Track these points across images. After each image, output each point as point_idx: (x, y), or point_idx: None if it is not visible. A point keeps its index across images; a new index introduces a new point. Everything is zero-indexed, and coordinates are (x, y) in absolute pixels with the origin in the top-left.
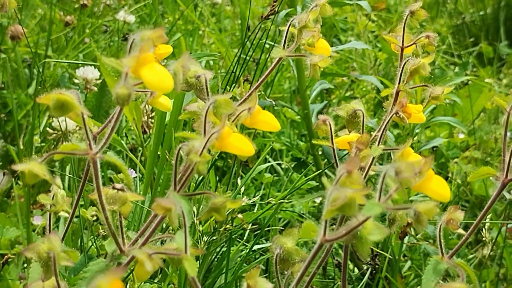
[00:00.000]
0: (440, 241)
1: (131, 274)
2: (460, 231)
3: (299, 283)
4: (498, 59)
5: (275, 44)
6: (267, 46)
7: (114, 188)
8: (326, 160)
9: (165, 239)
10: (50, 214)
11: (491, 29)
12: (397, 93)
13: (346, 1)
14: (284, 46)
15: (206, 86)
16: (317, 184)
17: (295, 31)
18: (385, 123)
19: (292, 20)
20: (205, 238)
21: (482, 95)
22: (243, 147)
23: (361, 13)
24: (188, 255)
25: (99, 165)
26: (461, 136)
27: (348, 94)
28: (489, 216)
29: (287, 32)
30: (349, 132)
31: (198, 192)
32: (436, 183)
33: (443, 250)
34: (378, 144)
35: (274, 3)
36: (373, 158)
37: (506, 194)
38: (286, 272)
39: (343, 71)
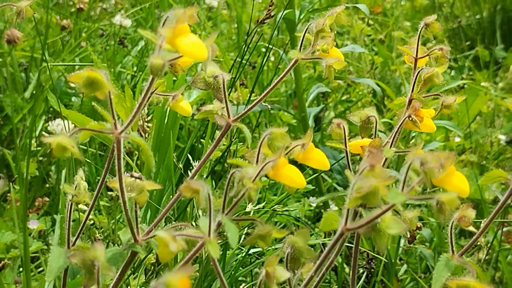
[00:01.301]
0: (451, 239)
1: (128, 279)
2: (472, 228)
3: (317, 271)
4: (494, 63)
5: (273, 47)
6: (263, 49)
7: (132, 176)
8: None
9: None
10: (71, 204)
11: (487, 32)
12: (410, 101)
13: (344, 4)
14: (300, 49)
15: (224, 86)
16: (314, 187)
17: (309, 37)
18: (397, 127)
19: (309, 25)
20: None
21: (478, 99)
22: (296, 179)
23: (357, 17)
24: (211, 239)
25: (122, 146)
26: (457, 139)
27: (344, 97)
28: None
29: (303, 36)
30: (362, 137)
31: (245, 218)
32: (458, 178)
33: (454, 249)
34: (391, 147)
35: (270, 7)
36: (386, 160)
37: (502, 197)
38: (296, 272)
39: (339, 74)
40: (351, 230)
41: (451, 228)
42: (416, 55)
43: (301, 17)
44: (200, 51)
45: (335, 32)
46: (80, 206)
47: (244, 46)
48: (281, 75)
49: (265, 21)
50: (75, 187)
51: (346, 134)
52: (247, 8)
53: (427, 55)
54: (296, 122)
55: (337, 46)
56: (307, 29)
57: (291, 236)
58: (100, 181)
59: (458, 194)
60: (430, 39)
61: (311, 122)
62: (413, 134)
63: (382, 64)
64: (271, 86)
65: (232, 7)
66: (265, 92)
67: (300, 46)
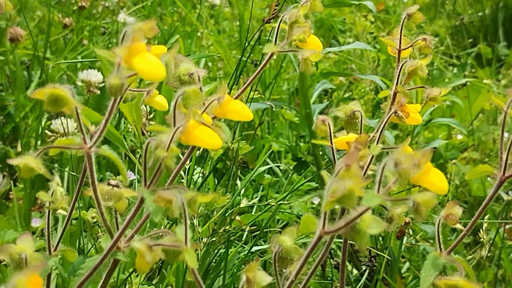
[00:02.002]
0: (438, 237)
1: (129, 277)
2: (459, 226)
3: (298, 275)
4: (496, 60)
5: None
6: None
7: (109, 184)
8: (327, 159)
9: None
10: (49, 211)
11: (490, 30)
12: (395, 94)
13: (351, 1)
14: (275, 42)
15: (200, 83)
16: (317, 185)
17: (286, 28)
18: (383, 123)
19: (283, 16)
20: (204, 240)
21: (481, 96)
22: (209, 140)
23: (359, 15)
24: (188, 247)
25: (93, 160)
26: (460, 137)
27: (346, 95)
28: (486, 216)
29: (278, 28)
30: (348, 133)
31: (169, 187)
32: (434, 176)
33: (442, 247)
34: (377, 144)
35: (276, 7)
36: (372, 157)
37: (504, 195)
38: (284, 271)
39: (342, 71)
40: (329, 233)
41: (438, 225)
42: (400, 46)
43: None
44: (156, 70)
45: (311, 20)
46: (60, 211)
47: (247, 46)
48: (258, 69)
49: (270, 21)
50: (51, 193)
51: (332, 130)
52: (249, 6)
53: (411, 46)
54: (299, 120)
55: (339, 43)
56: (281, 20)
57: (278, 235)
58: (77, 189)
59: (435, 193)
60: (432, 36)
61: (315, 119)
62: (417, 131)
63: (385, 61)
64: (251, 78)
65: (234, 4)
66: (244, 87)
67: (276, 39)
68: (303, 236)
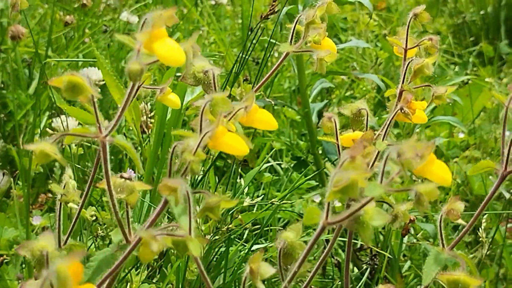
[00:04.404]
0: (440, 232)
1: (128, 275)
2: (461, 221)
3: (301, 265)
4: (498, 58)
5: (277, 42)
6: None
7: (121, 177)
8: (326, 158)
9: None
10: (60, 204)
11: (492, 28)
12: (401, 92)
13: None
14: (290, 42)
15: (214, 81)
16: (317, 183)
17: (300, 29)
18: (389, 120)
19: (299, 17)
20: (207, 237)
21: (483, 95)
22: (238, 146)
23: (362, 12)
24: (192, 237)
25: (108, 149)
26: (461, 135)
27: (348, 93)
28: (485, 216)
29: (294, 28)
30: (353, 130)
31: (194, 191)
32: (438, 167)
33: (444, 243)
34: (383, 141)
35: (274, 3)
36: (377, 154)
37: (506, 193)
38: (289, 267)
39: (343, 70)
40: (332, 224)
41: (440, 221)
42: (406, 46)
43: None
44: (177, 56)
45: (327, 22)
46: (70, 204)
47: (246, 41)
48: (272, 69)
49: (268, 17)
50: (64, 186)
51: (338, 127)
52: (253, 3)
53: (417, 45)
54: (300, 119)
55: (340, 41)
56: (297, 21)
57: (283, 231)
58: (89, 182)
59: (438, 184)
60: (434, 34)
61: (314, 118)
62: (417, 130)
63: (387, 59)
64: (263, 80)
65: (236, 2)
66: (257, 86)
67: (291, 39)
68: (305, 234)
